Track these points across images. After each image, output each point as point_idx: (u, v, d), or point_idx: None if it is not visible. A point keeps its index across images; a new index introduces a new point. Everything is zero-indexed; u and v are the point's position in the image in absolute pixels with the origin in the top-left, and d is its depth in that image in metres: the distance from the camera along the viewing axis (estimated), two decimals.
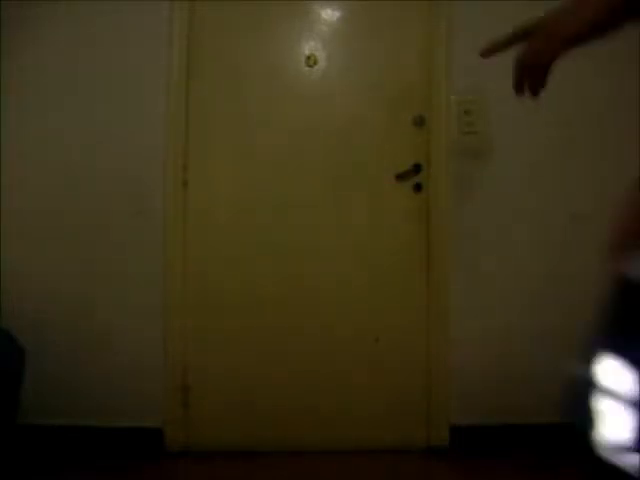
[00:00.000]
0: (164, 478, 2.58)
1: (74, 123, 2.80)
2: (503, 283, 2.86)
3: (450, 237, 2.83)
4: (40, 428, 2.74)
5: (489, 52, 1.33)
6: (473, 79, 2.83)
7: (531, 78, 1.25)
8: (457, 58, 2.82)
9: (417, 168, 2.79)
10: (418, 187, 2.82)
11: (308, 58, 2.78)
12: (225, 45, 2.83)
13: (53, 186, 2.80)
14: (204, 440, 2.80)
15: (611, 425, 0.84)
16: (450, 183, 2.84)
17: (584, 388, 0.87)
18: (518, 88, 1.27)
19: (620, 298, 0.91)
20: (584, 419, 0.86)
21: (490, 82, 2.83)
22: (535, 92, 1.29)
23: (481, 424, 2.82)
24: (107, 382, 2.78)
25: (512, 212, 2.86)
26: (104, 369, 2.78)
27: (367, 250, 2.83)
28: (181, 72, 2.81)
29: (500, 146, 2.85)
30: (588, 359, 0.88)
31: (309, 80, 2.81)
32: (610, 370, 0.85)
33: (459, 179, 2.85)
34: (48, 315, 2.78)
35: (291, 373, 2.78)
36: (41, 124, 2.80)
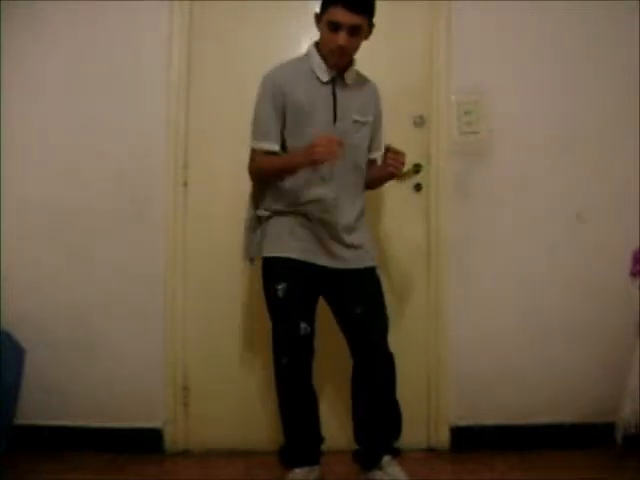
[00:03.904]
0: (164, 478, 2.58)
1: (74, 123, 2.80)
2: (503, 284, 2.85)
3: (450, 237, 2.83)
4: (40, 428, 2.74)
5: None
6: (473, 79, 2.83)
7: None
8: (457, 58, 2.82)
9: (417, 168, 2.79)
10: (418, 187, 2.82)
11: None
12: (225, 45, 2.83)
13: (53, 187, 2.80)
14: (204, 440, 2.80)
15: None
16: (450, 183, 2.84)
17: None
18: None
19: None
20: None
21: (490, 82, 2.84)
22: None
23: (481, 425, 2.82)
24: (107, 382, 2.78)
25: (512, 212, 2.86)
26: (104, 369, 2.78)
27: None
28: (181, 72, 2.81)
29: (500, 146, 2.84)
30: None
31: None
32: None
33: (459, 179, 2.84)
34: (48, 316, 2.78)
35: None
36: (41, 125, 2.80)
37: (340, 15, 2.15)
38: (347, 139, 2.26)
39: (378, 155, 2.44)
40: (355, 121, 2.31)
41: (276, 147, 2.31)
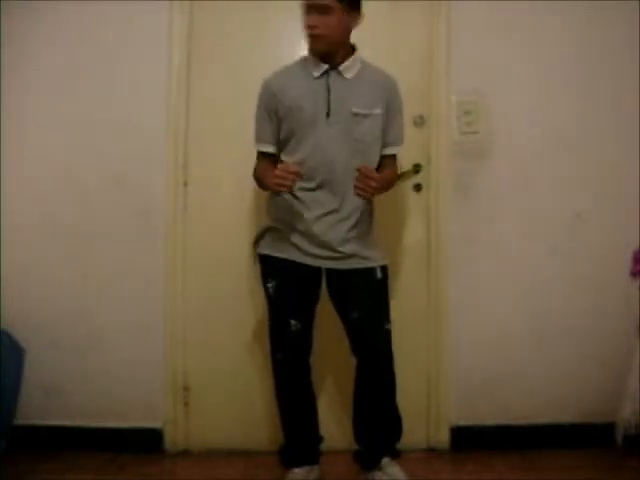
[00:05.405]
0: (164, 478, 2.58)
1: (74, 124, 2.80)
2: (503, 284, 2.85)
3: (450, 237, 2.83)
4: (40, 428, 2.74)
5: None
6: (473, 79, 2.83)
7: None
8: (457, 58, 2.82)
9: (417, 168, 2.79)
10: (418, 187, 2.82)
11: None
12: (225, 45, 2.83)
13: (54, 187, 2.80)
14: (204, 440, 2.80)
15: None
16: (450, 183, 2.84)
17: None
18: None
19: None
20: None
21: (490, 82, 2.84)
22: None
23: (481, 425, 2.82)
24: (107, 382, 2.78)
25: (513, 212, 2.86)
26: (104, 369, 2.78)
27: None
28: (181, 72, 2.81)
29: (500, 146, 2.84)
30: None
31: None
32: None
33: (459, 179, 2.84)
34: (48, 315, 2.78)
35: None
36: (41, 125, 2.80)
37: None
38: (346, 133, 2.25)
39: (389, 151, 2.38)
40: (355, 114, 2.25)
41: (269, 148, 2.35)
